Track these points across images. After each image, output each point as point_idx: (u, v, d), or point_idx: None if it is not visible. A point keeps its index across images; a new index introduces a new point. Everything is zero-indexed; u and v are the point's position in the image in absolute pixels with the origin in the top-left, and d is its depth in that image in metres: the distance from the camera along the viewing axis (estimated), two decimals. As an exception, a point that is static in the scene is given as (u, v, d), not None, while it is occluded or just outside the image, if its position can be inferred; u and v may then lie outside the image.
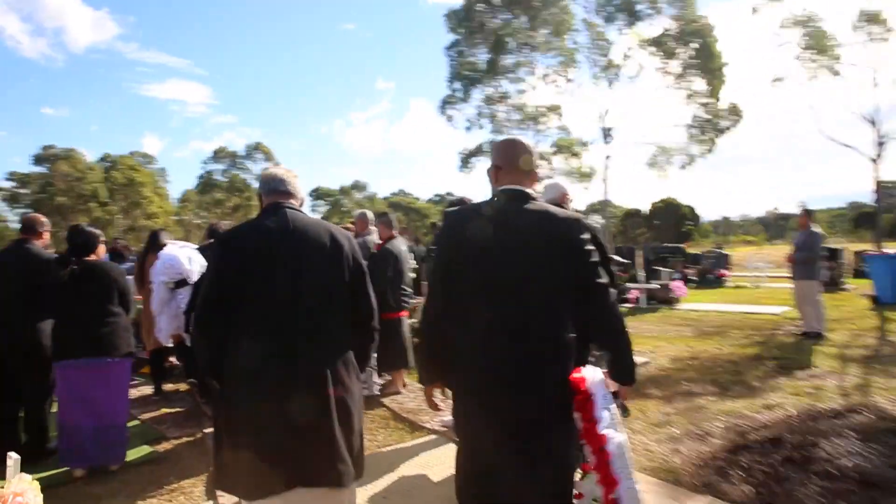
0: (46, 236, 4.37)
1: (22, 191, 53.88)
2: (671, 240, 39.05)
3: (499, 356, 2.11)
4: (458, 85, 31.89)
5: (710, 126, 28.41)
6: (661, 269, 14.69)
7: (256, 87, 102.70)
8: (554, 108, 34.05)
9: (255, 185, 62.64)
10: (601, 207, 30.61)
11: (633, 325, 10.20)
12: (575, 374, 2.14)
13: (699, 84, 27.27)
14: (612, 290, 2.20)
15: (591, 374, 2.17)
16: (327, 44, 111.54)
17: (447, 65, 31.73)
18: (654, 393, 5.79)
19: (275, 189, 2.61)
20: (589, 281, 2.15)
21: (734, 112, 28.15)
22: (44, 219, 4.38)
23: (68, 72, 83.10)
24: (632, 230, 59.02)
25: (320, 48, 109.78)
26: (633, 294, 12.92)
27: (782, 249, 32.58)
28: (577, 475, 2.24)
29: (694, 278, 17.04)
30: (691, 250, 22.04)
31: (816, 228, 8.45)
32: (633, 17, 26.97)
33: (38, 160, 53.45)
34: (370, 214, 6.84)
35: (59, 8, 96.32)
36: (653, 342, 8.48)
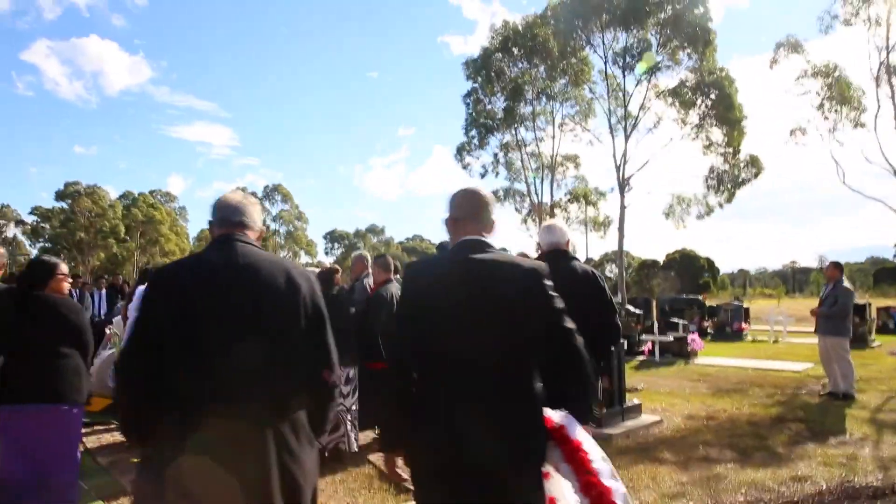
0: (2, 268, 4.05)
1: (44, 225, 54.66)
2: (688, 291, 38.32)
3: (467, 407, 1.99)
4: (474, 132, 32.01)
5: (729, 178, 28.06)
6: (677, 320, 14.12)
7: (279, 131, 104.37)
8: (571, 158, 34.03)
9: (273, 225, 63.15)
10: (616, 257, 30.12)
11: (645, 379, 9.65)
12: (551, 422, 2.08)
13: (717, 134, 27.05)
14: (579, 336, 2.13)
15: (566, 421, 2.09)
16: (350, 90, 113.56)
17: (464, 112, 31.94)
18: (668, 457, 5.26)
19: (226, 219, 2.23)
20: (555, 326, 2.10)
21: (754, 164, 27.82)
22: (1, 249, 4.07)
23: (101, 113, 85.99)
24: (647, 281, 58.23)
25: (343, 95, 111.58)
26: (647, 346, 12.37)
27: (802, 303, 31.78)
28: None
29: (711, 331, 16.41)
30: (709, 302, 21.37)
31: (846, 283, 7.96)
32: (652, 68, 26.97)
33: (61, 196, 54.28)
34: (368, 256, 6.50)
35: (99, 53, 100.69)
36: (667, 399, 7.92)
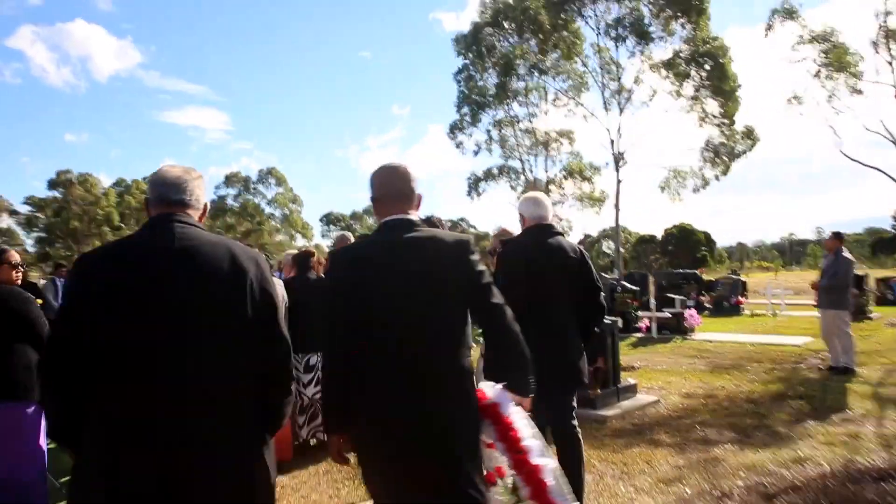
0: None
1: (38, 215, 54.25)
2: (686, 266, 38.15)
3: (402, 388, 2.02)
4: (466, 109, 31.60)
5: (725, 150, 27.79)
6: (674, 296, 13.94)
7: (273, 114, 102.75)
8: (565, 133, 33.65)
9: (268, 210, 62.40)
10: (613, 233, 29.96)
11: (643, 357, 9.48)
12: (484, 399, 2.11)
13: (712, 106, 26.74)
14: (508, 309, 2.16)
15: (499, 396, 2.13)
16: (343, 71, 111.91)
17: (456, 90, 31.50)
18: (664, 440, 5.08)
19: (164, 197, 1.96)
20: (483, 303, 2.14)
21: (749, 136, 27.52)
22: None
23: (91, 99, 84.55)
24: (645, 256, 58.09)
25: (337, 75, 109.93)
26: (644, 323, 12.20)
27: (800, 275, 31.62)
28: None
29: (709, 306, 16.24)
30: (706, 276, 21.18)
31: (846, 254, 7.74)
32: (644, 38, 26.55)
33: (53, 185, 53.78)
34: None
35: (86, 37, 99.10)
36: (664, 377, 7.75)
